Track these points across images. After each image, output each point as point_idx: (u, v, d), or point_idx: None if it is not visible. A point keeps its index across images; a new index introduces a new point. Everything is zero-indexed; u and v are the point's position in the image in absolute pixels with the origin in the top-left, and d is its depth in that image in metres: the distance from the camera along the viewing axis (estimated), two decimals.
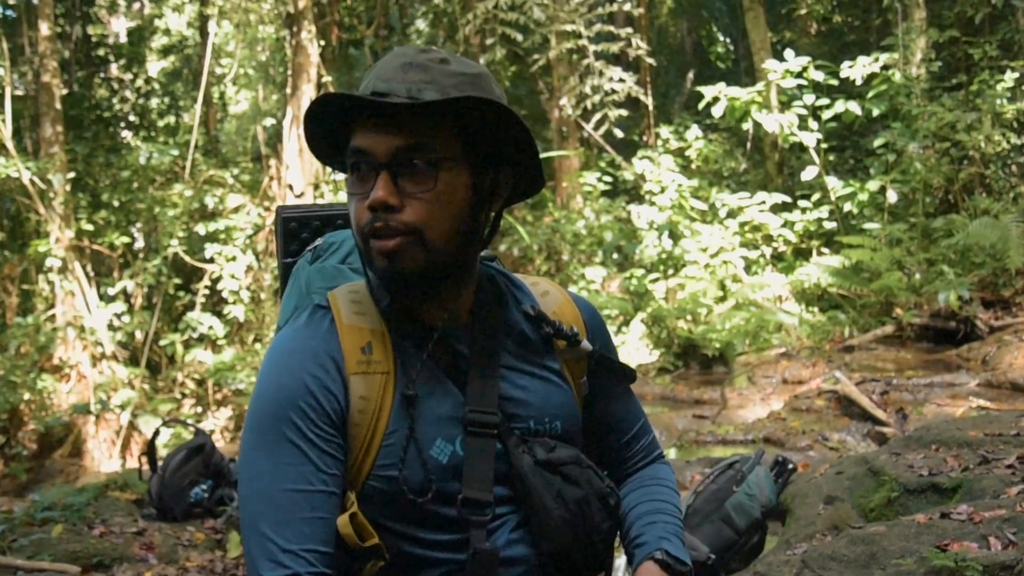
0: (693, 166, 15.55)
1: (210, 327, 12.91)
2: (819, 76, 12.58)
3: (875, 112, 12.45)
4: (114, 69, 17.48)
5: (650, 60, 15.28)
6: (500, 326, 1.72)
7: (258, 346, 12.95)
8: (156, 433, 6.61)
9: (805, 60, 12.59)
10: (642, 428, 1.90)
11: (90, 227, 13.41)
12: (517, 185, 1.74)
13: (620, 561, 1.96)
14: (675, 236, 13.09)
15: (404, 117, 1.55)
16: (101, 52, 17.23)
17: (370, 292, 1.68)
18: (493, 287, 1.78)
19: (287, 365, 1.58)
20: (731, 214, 13.63)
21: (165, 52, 20.61)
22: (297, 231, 2.02)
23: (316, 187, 13.17)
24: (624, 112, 14.12)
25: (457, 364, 1.66)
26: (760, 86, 13.34)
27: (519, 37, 13.48)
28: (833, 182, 12.69)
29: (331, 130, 1.63)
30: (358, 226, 1.58)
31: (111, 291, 13.07)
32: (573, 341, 1.76)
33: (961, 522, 3.39)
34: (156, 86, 18.71)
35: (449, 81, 1.56)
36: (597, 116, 13.92)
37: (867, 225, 11.86)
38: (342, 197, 12.67)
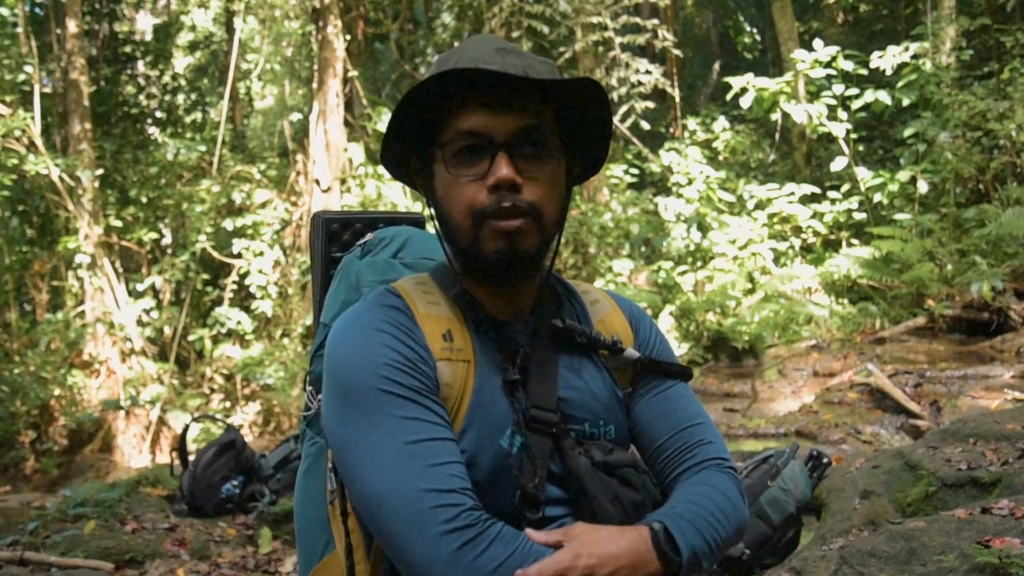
0: (720, 157, 15.49)
1: (238, 322, 12.94)
2: (848, 66, 12.49)
3: (905, 102, 12.34)
4: (141, 66, 17.52)
5: (676, 52, 15.22)
6: (552, 327, 1.71)
7: (286, 341, 12.97)
8: (186, 429, 6.61)
9: (834, 50, 12.50)
10: (696, 428, 1.76)
11: (119, 223, 13.47)
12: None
13: None
14: (703, 228, 13.02)
15: (519, 98, 1.56)
16: (128, 49, 17.26)
17: (436, 283, 1.68)
18: (552, 291, 1.77)
19: (371, 332, 1.56)
20: (759, 206, 13.56)
21: (191, 48, 20.67)
22: (339, 233, 2.03)
23: (343, 182, 13.16)
24: (651, 104, 14.08)
25: (521, 360, 1.64)
26: (788, 76, 13.25)
27: (545, 30, 13.44)
28: (863, 172, 12.59)
29: (418, 121, 1.63)
30: (471, 207, 1.57)
31: (140, 287, 13.13)
32: (614, 351, 1.74)
33: (1003, 517, 3.34)
34: (183, 82, 18.75)
35: (542, 67, 1.58)
36: (624, 108, 13.85)
37: (897, 216, 11.76)
38: (369, 192, 12.75)
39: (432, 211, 1.67)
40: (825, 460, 4.72)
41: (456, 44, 16.52)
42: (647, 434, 1.76)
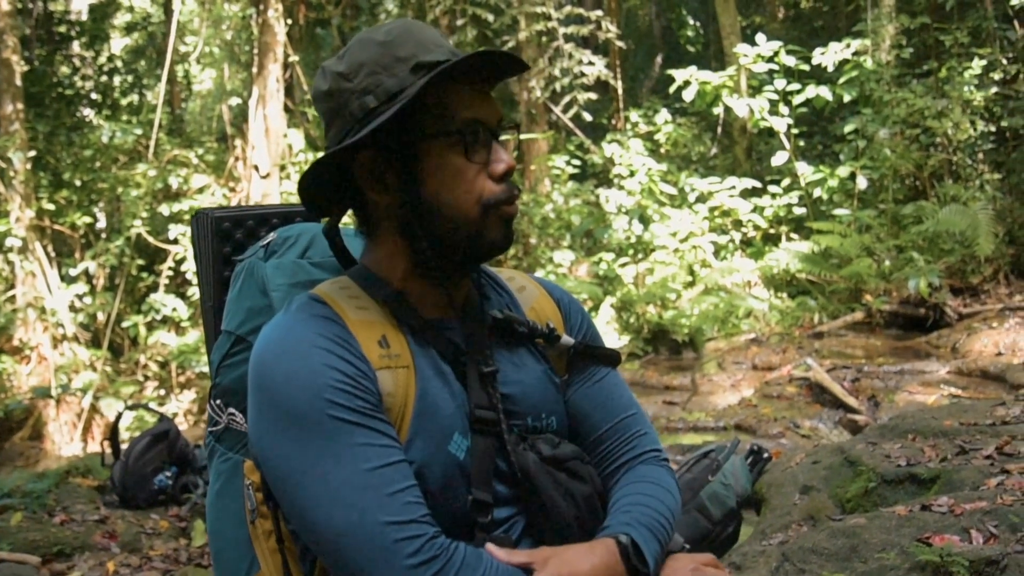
0: (662, 150, 15.56)
1: (174, 309, 12.74)
2: (790, 61, 12.57)
3: (846, 98, 12.46)
4: (76, 46, 17.21)
5: (619, 43, 15.24)
6: (487, 320, 1.65)
7: None
8: (119, 417, 6.47)
9: (776, 45, 12.58)
10: (631, 419, 1.73)
11: (51, 206, 13.22)
12: None
13: None
14: (644, 220, 13.05)
15: (488, 86, 1.58)
16: (63, 29, 16.94)
17: (361, 287, 1.60)
18: (476, 282, 1.71)
19: (308, 351, 1.45)
20: (701, 199, 13.63)
21: (128, 29, 20.33)
22: (231, 231, 1.89)
23: (282, 168, 13.03)
24: (593, 95, 14.09)
25: (456, 358, 1.59)
26: (731, 70, 13.32)
27: (490, 18, 13.38)
28: (803, 168, 12.70)
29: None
30: (482, 197, 1.54)
31: (73, 272, 12.89)
32: (551, 339, 1.70)
33: (942, 514, 3.35)
34: (119, 64, 18.45)
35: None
36: (566, 99, 13.86)
37: (836, 211, 11.89)
38: None
39: (398, 207, 1.57)
40: (765, 455, 4.72)
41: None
42: (584, 424, 1.72)
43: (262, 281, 1.72)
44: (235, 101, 18.75)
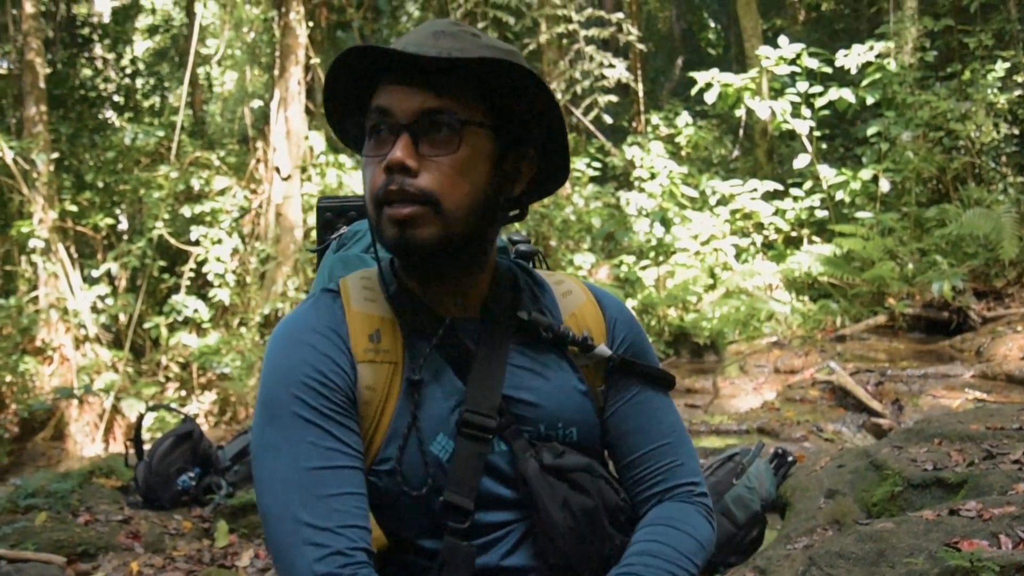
0: (683, 153, 15.50)
1: (195, 310, 12.78)
2: (813, 63, 12.52)
3: (868, 100, 12.39)
4: (98, 49, 17.29)
5: (640, 46, 15.21)
6: (512, 323, 1.63)
7: (243, 330, 12.83)
8: (141, 418, 6.49)
9: (799, 47, 12.53)
10: (668, 447, 1.69)
11: (74, 208, 13.28)
12: (541, 171, 1.66)
13: None
14: (666, 223, 13.02)
15: (430, 79, 1.47)
16: (86, 31, 17.03)
17: (380, 278, 1.61)
18: (511, 282, 1.68)
19: (295, 343, 1.51)
20: (722, 201, 13.59)
21: (150, 32, 20.43)
22: (333, 221, 1.99)
23: (303, 170, 13.05)
24: (614, 98, 14.07)
25: (464, 359, 1.58)
26: (753, 73, 13.27)
27: (511, 20, 13.37)
28: (825, 170, 12.64)
29: (351, 94, 1.57)
30: (372, 192, 1.50)
31: (95, 273, 12.95)
32: (584, 347, 1.66)
33: (970, 519, 3.32)
34: (141, 66, 18.54)
35: (481, 51, 1.48)
36: (587, 102, 13.83)
37: (859, 214, 11.82)
38: (330, 180, 12.65)
39: None
40: (790, 458, 4.70)
41: None
42: (619, 447, 1.69)
43: (328, 272, 1.78)
44: (257, 103, 18.78)
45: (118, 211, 14.54)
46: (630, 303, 12.05)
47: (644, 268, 12.91)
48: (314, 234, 8.58)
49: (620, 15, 14.18)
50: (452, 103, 1.47)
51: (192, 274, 13.14)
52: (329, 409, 1.46)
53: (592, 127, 15.08)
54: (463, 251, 1.53)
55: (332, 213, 1.98)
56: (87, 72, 16.77)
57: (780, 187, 13.33)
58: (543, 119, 1.58)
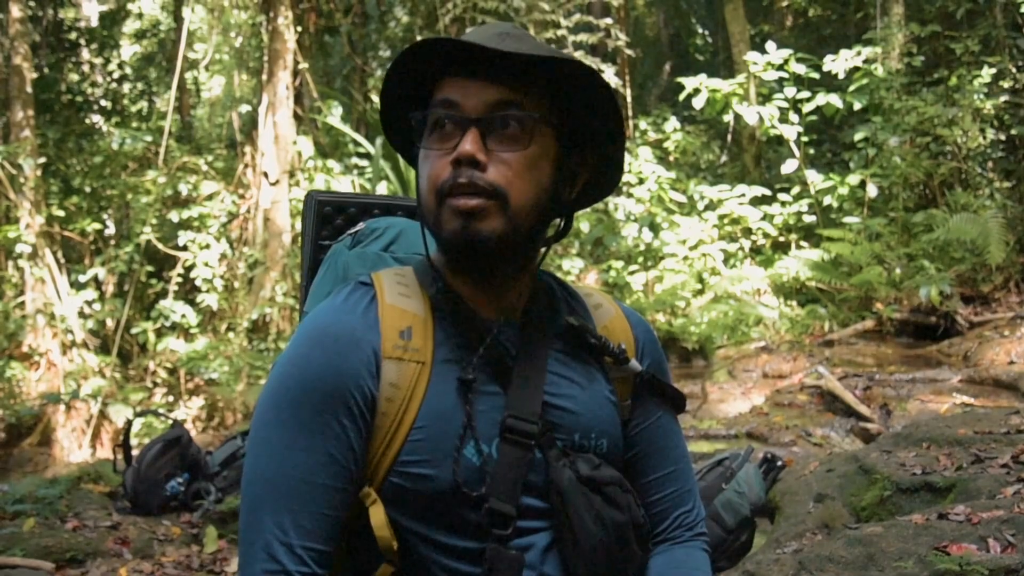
0: (671, 158, 15.54)
1: (183, 315, 12.74)
2: (800, 69, 12.56)
3: (856, 106, 12.44)
4: (86, 53, 17.25)
5: (628, 51, 15.24)
6: (551, 329, 1.62)
7: (231, 335, 12.79)
8: (129, 423, 6.48)
9: (786, 52, 12.57)
10: (680, 472, 1.70)
11: (61, 213, 13.23)
12: (591, 178, 1.66)
13: None
14: (654, 228, 13.04)
15: (498, 73, 1.48)
16: (73, 36, 16.98)
17: (417, 277, 1.60)
18: (547, 291, 1.69)
19: (319, 342, 1.48)
20: (710, 206, 13.63)
21: (138, 36, 20.38)
22: (331, 216, 1.95)
23: (292, 175, 13.03)
24: None
25: (503, 363, 1.55)
26: (741, 78, 13.31)
27: None
28: (813, 176, 12.69)
29: (410, 89, 1.57)
30: (435, 184, 1.49)
31: (82, 278, 12.89)
32: (620, 359, 1.65)
33: (959, 523, 3.34)
34: (129, 71, 18.48)
35: (550, 53, 1.50)
36: None
37: (847, 219, 11.87)
38: (318, 184, 12.63)
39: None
40: (779, 463, 4.72)
41: (407, 38, 16.29)
42: (639, 463, 1.68)
43: (343, 268, 1.74)
44: (245, 108, 18.75)
45: (105, 216, 14.48)
46: None
47: (632, 273, 12.94)
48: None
49: (608, 20, 14.20)
50: (519, 97, 1.48)
51: (180, 279, 13.09)
52: (335, 419, 1.44)
53: None
54: (520, 250, 1.54)
55: (332, 208, 1.95)
56: (74, 77, 16.71)
57: (768, 192, 13.36)
58: (604, 125, 1.59)
